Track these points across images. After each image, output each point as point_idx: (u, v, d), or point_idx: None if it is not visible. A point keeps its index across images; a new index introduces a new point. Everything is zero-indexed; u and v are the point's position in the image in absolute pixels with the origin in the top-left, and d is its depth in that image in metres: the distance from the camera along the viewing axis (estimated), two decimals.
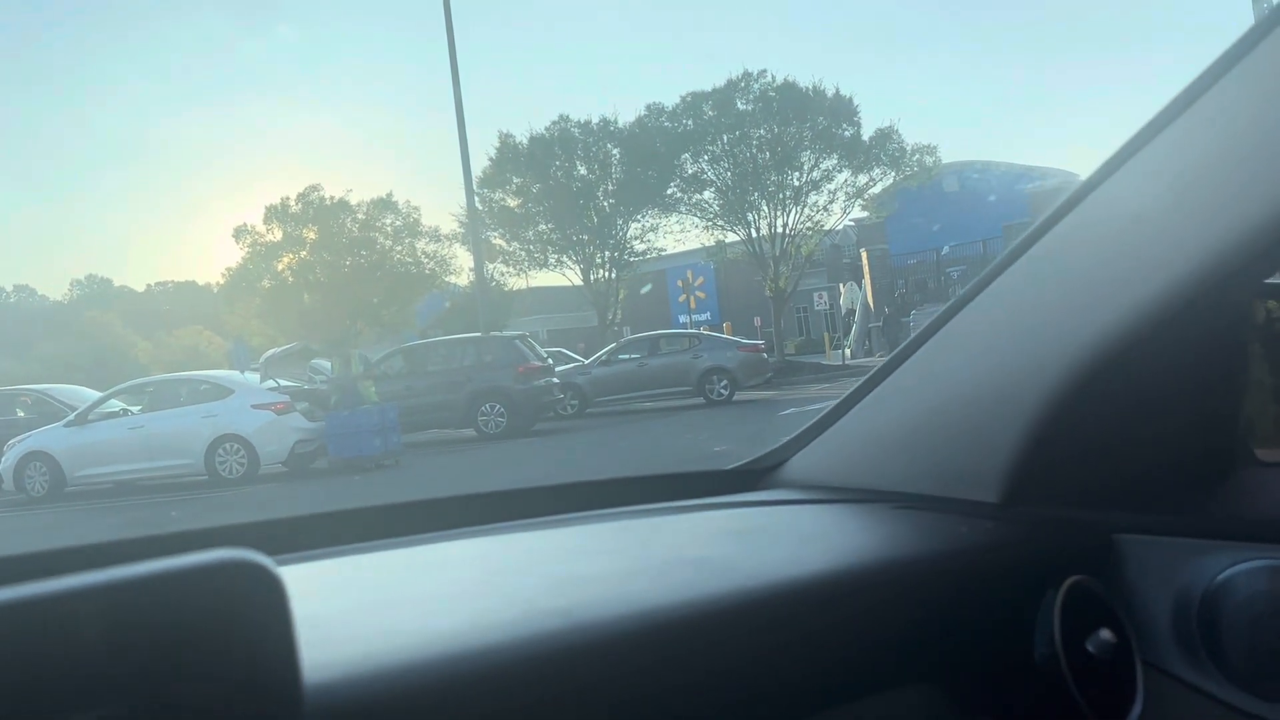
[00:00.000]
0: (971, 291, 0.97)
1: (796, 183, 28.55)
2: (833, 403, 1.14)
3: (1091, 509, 0.93)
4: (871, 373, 1.09)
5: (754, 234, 28.96)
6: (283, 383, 14.04)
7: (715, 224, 29.77)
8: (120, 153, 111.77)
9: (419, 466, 13.36)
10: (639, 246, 30.72)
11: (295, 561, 0.80)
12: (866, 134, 28.39)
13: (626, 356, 19.62)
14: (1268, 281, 0.98)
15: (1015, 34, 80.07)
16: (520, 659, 0.57)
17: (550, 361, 17.97)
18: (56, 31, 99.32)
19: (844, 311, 33.04)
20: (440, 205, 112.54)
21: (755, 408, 17.03)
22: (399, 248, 31.74)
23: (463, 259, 32.62)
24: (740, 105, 28.51)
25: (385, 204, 31.66)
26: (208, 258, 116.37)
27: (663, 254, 32.17)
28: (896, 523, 0.93)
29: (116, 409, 14.22)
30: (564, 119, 30.07)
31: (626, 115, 30.88)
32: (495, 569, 0.80)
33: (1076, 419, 0.89)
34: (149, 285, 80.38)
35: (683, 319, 34.38)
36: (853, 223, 35.27)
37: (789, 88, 28.32)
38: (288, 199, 31.56)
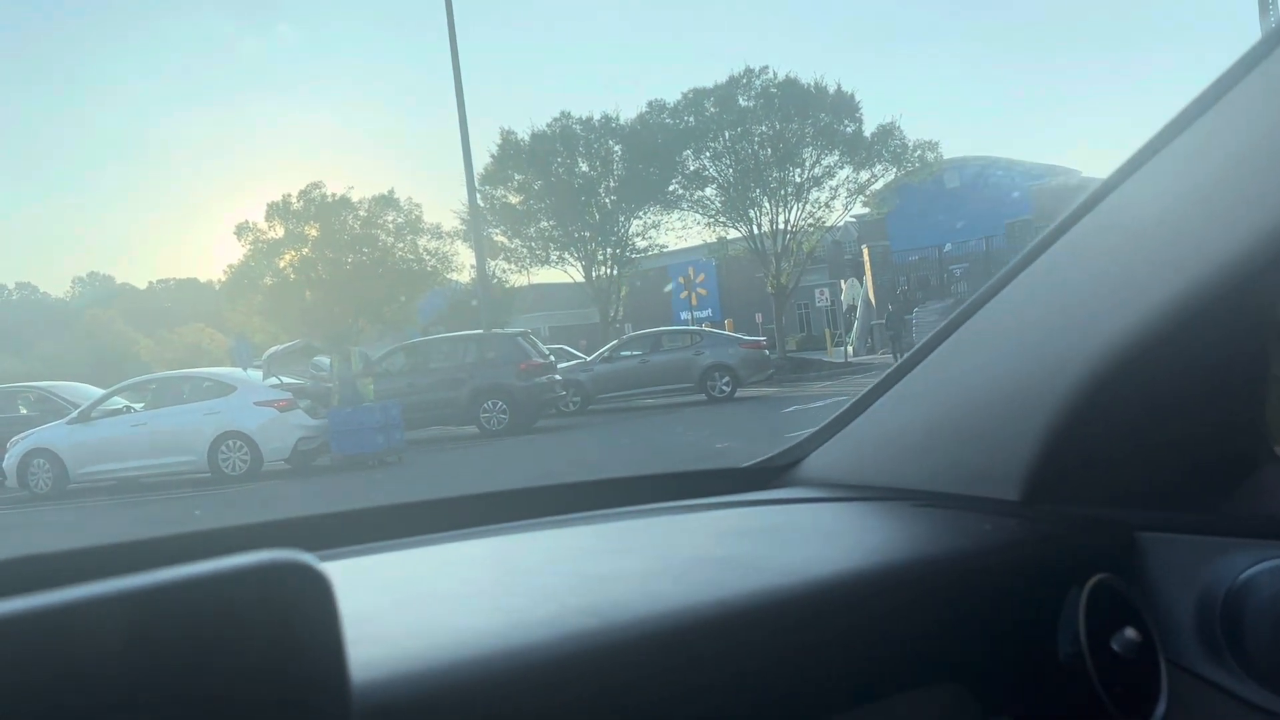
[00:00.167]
0: (991, 290, 0.97)
1: (798, 179, 28.54)
2: (849, 401, 1.14)
3: (1113, 507, 0.92)
4: (889, 371, 1.09)
5: (755, 230, 28.94)
6: (285, 380, 14.04)
7: (717, 221, 29.77)
8: (122, 151, 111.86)
9: (422, 463, 13.36)
10: (641, 243, 30.74)
11: (324, 560, 0.80)
12: (868, 130, 28.39)
13: (628, 353, 19.62)
14: None
15: (1017, 31, 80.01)
16: (556, 658, 0.57)
17: (552, 358, 17.97)
18: (58, 30, 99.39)
19: (845, 308, 33.03)
20: (442, 202, 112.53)
21: (757, 405, 17.04)
22: (401, 245, 31.72)
23: (464, 256, 32.72)
24: (742, 102, 28.49)
25: (387, 201, 31.63)
26: (209, 255, 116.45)
27: (664, 251, 32.15)
28: (919, 521, 0.93)
29: (119, 406, 14.24)
30: (566, 116, 30.08)
31: (628, 112, 31.03)
32: (520, 567, 0.80)
33: (1098, 417, 0.89)
34: (151, 283, 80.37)
35: (684, 316, 34.39)
36: (854, 219, 35.22)
37: (791, 84, 28.30)
38: (289, 196, 31.55)
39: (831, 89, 28.41)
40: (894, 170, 28.95)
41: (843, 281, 33.30)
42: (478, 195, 25.57)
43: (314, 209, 31.19)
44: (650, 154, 28.72)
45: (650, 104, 29.50)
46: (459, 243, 31.51)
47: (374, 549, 0.86)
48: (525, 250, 30.91)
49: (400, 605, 0.67)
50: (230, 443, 13.15)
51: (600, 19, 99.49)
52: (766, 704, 0.68)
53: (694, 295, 29.67)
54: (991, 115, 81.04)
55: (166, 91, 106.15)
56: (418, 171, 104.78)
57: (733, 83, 28.57)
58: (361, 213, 31.45)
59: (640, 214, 30.22)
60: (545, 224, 30.26)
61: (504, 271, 31.55)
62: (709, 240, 30.84)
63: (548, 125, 30.11)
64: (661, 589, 0.69)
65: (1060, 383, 0.88)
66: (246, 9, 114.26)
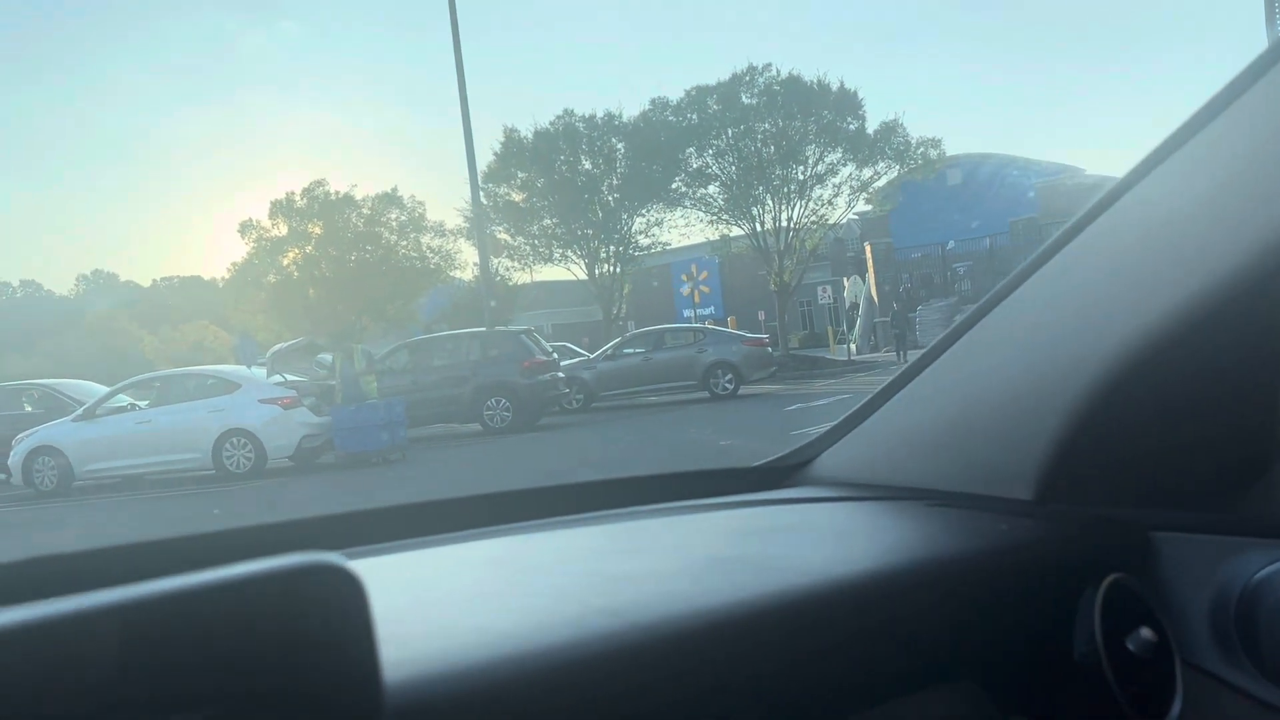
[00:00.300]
0: (1005, 289, 0.97)
1: (801, 176, 28.50)
2: (861, 400, 1.14)
3: (1127, 507, 0.92)
4: (901, 370, 1.09)
5: (758, 228, 28.91)
6: (289, 378, 14.06)
7: (720, 218, 29.73)
8: (125, 148, 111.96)
9: (426, 461, 13.37)
10: (643, 241, 30.69)
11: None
12: (871, 127, 28.35)
13: (631, 351, 19.61)
14: None
15: (1021, 28, 79.86)
16: (580, 659, 0.58)
17: (555, 356, 17.97)
18: (61, 27, 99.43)
19: (848, 306, 33.00)
20: (445, 200, 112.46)
21: (760, 402, 17.03)
22: (404, 243, 31.74)
23: (467, 254, 32.68)
24: (745, 99, 28.44)
25: (390, 199, 31.65)
26: (213, 253, 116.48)
27: (667, 248, 32.11)
28: (934, 521, 0.93)
29: (124, 403, 14.26)
30: (569, 113, 30.05)
31: (631, 109, 30.96)
32: (538, 566, 0.80)
33: (1112, 417, 0.89)
34: (155, 280, 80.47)
35: (687, 313, 34.40)
36: (856, 216, 35.17)
37: (794, 82, 28.26)
38: (293, 194, 31.58)
39: (834, 86, 28.36)
40: (897, 167, 28.91)
41: (845, 279, 33.23)
42: (481, 193, 25.57)
43: (317, 207, 31.22)
44: (653, 151, 28.69)
45: (653, 101, 29.49)
46: (462, 240, 31.56)
47: (388, 549, 0.86)
48: (528, 248, 30.90)
49: (422, 606, 0.67)
50: (235, 440, 13.17)
51: (603, 17, 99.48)
52: (783, 704, 0.68)
53: (697, 293, 29.67)
54: (995, 113, 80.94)
55: (170, 89, 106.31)
56: (421, 169, 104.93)
57: (736, 80, 28.54)
58: (365, 210, 31.48)
59: (643, 211, 30.20)
60: (548, 221, 30.24)
61: (507, 269, 31.56)
62: (712, 238, 30.83)
63: (551, 123, 30.12)
64: (680, 589, 0.69)
65: (1075, 382, 0.88)
66: (249, 5, 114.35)
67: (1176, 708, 0.82)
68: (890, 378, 1.12)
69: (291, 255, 31.48)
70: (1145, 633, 0.81)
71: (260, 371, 14.16)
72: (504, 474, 11.14)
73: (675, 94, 29.80)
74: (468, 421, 16.37)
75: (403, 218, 31.74)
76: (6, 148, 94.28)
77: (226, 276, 34.46)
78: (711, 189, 29.40)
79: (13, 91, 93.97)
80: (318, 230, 31.16)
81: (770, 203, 28.75)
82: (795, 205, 28.67)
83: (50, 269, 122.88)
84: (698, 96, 28.76)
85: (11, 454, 13.81)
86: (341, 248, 30.96)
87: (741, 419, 14.59)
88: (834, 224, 30.80)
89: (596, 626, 0.61)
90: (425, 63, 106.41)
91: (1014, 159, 38.58)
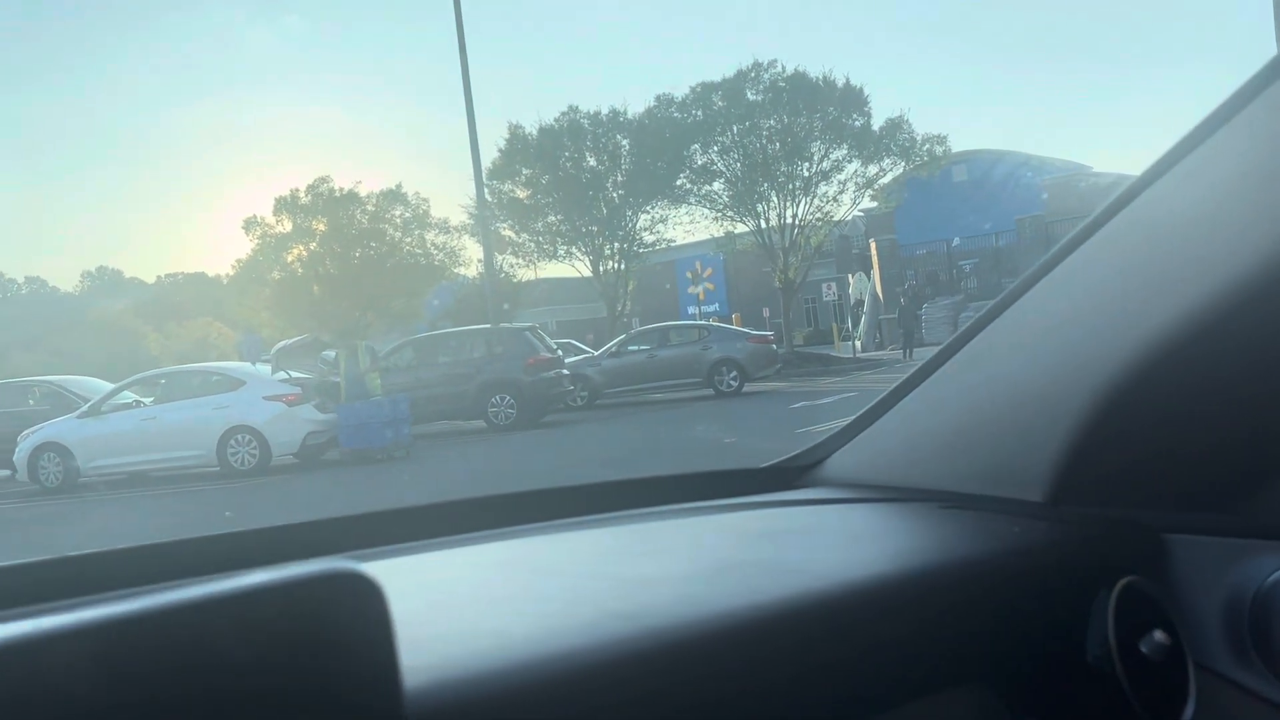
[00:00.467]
0: (1018, 289, 0.97)
1: (806, 173, 28.43)
2: (871, 401, 1.13)
3: (1140, 509, 0.92)
4: (913, 370, 1.09)
5: (763, 225, 28.85)
6: (294, 374, 14.08)
7: (724, 215, 29.68)
8: (129, 145, 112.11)
9: (430, 458, 13.39)
10: (648, 238, 30.65)
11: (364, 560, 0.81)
12: (877, 124, 28.28)
13: (636, 348, 19.61)
14: None
15: (1029, 25, 79.66)
16: (598, 664, 0.58)
17: (560, 353, 17.98)
18: (63, 23, 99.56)
19: (853, 303, 32.94)
20: (449, 197, 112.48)
21: (765, 400, 17.02)
22: (408, 239, 31.72)
23: (472, 251, 32.62)
24: (750, 96, 28.38)
25: (394, 196, 31.63)
26: (218, 249, 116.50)
27: (672, 245, 32.08)
28: (947, 523, 0.93)
29: (129, 400, 14.30)
30: (573, 110, 30.01)
31: (636, 106, 30.78)
32: (551, 569, 0.80)
33: (1125, 419, 0.89)
34: (159, 277, 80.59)
35: (691, 310, 34.37)
36: (862, 213, 35.12)
37: (799, 78, 28.19)
38: (297, 191, 31.56)
39: (840, 83, 28.30)
40: (902, 164, 28.84)
41: (850, 276, 33.19)
42: (485, 190, 25.57)
43: (322, 203, 31.20)
44: (658, 148, 28.65)
45: (658, 98, 29.42)
46: (466, 237, 31.50)
47: (399, 551, 0.86)
48: (533, 245, 30.88)
49: (438, 609, 0.67)
50: (239, 437, 13.19)
51: (608, 13, 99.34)
52: (799, 710, 0.68)
53: (701, 290, 29.65)
54: (1001, 110, 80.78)
55: (174, 84, 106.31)
56: (425, 166, 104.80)
57: (741, 77, 28.48)
58: (369, 207, 31.45)
59: (648, 208, 30.15)
60: (553, 218, 30.22)
61: (511, 266, 31.56)
62: (716, 235, 30.76)
63: (555, 120, 30.06)
64: (695, 593, 0.69)
65: (1088, 384, 0.88)
66: (254, 0, 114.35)
67: (1189, 711, 0.82)
68: (901, 378, 1.11)
69: (296, 252, 31.49)
70: (1159, 635, 0.81)
71: (265, 368, 14.19)
72: (508, 472, 11.15)
73: (680, 91, 29.74)
74: (472, 418, 16.38)
75: (407, 214, 31.71)
76: (11, 144, 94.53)
77: (231, 273, 34.57)
78: (716, 186, 29.36)
79: (18, 87, 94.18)
80: (322, 227, 31.15)
81: (775, 199, 28.70)
82: (800, 202, 28.62)
83: (55, 265, 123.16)
84: (703, 93, 28.71)
85: (17, 451, 13.84)
86: (346, 244, 30.95)
87: (746, 416, 14.58)
88: (839, 221, 30.76)
89: (613, 631, 0.61)
90: (430, 59, 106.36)
91: (1020, 156, 38.44)
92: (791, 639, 0.68)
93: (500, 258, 29.60)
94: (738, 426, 13.07)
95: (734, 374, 18.66)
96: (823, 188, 28.68)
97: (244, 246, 38.10)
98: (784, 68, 28.40)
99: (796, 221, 28.65)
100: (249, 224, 31.94)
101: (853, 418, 1.15)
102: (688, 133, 28.68)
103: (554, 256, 30.94)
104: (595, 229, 29.90)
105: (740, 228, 29.72)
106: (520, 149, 30.08)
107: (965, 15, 77.80)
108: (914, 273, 32.54)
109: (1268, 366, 0.94)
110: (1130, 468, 0.93)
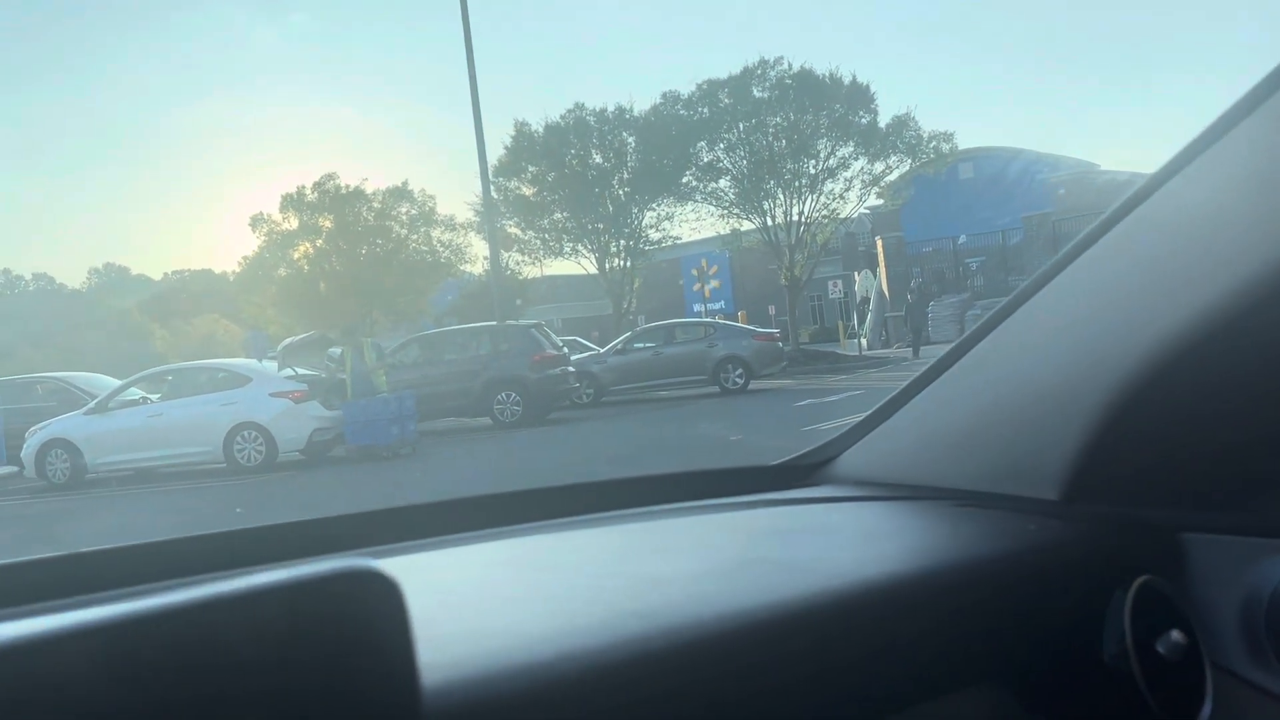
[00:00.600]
0: (1032, 286, 0.96)
1: (812, 170, 28.38)
2: (883, 398, 1.13)
3: (1156, 508, 0.91)
4: (925, 368, 1.08)
5: (769, 222, 28.81)
6: (300, 371, 14.11)
7: (730, 212, 29.65)
8: (136, 142, 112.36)
9: (436, 455, 13.41)
10: (654, 235, 30.61)
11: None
12: (883, 121, 28.23)
13: (641, 345, 19.61)
14: None
15: (1036, 22, 79.46)
16: (613, 663, 0.57)
17: (565, 350, 17.98)
18: (69, 21, 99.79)
19: (859, 300, 32.90)
20: (455, 194, 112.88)
21: (771, 397, 17.01)
22: (414, 236, 31.77)
23: (478, 248, 32.65)
24: (756, 93, 28.34)
25: (401, 193, 31.68)
26: (224, 246, 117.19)
27: (678, 243, 32.05)
28: (961, 521, 0.92)
29: (136, 397, 14.33)
30: (579, 107, 29.98)
31: (642, 103, 30.57)
32: (563, 566, 0.80)
33: (1141, 417, 0.88)
34: (166, 274, 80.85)
35: (697, 308, 34.33)
36: (868, 211, 35.04)
37: (805, 75, 28.14)
38: (304, 188, 31.63)
39: (846, 80, 28.24)
40: (908, 162, 28.78)
41: (856, 273, 33.15)
42: (491, 187, 25.57)
43: (328, 200, 31.25)
44: (664, 145, 28.62)
45: (664, 95, 29.36)
46: (472, 234, 31.55)
47: (411, 548, 0.86)
48: (538, 242, 30.87)
49: (452, 606, 0.67)
50: (245, 433, 13.22)
51: (614, 11, 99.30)
52: (813, 709, 0.68)
53: (707, 287, 29.62)
54: (1008, 108, 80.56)
55: (179, 82, 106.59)
56: (431, 163, 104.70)
57: (747, 74, 28.43)
58: (375, 204, 31.50)
59: (654, 205, 30.12)
60: (558, 215, 30.20)
61: (517, 263, 31.57)
62: (722, 232, 30.73)
63: (561, 117, 30.03)
64: (709, 591, 0.69)
65: (1103, 381, 0.87)
66: None
67: (1206, 711, 0.81)
68: (909, 376, 1.11)
69: (302, 249, 31.55)
70: (1175, 635, 0.80)
71: (271, 365, 14.21)
72: (514, 469, 11.16)
73: (686, 88, 29.63)
74: (478, 415, 16.40)
75: (413, 211, 31.76)
76: (20, 141, 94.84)
77: (237, 270, 34.64)
78: (722, 183, 29.32)
79: (24, 85, 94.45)
80: (328, 224, 31.20)
81: (781, 197, 28.65)
82: (806, 199, 28.57)
83: (62, 262, 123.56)
84: (709, 90, 28.67)
85: (24, 447, 13.90)
86: (352, 241, 30.99)
87: (752, 414, 14.58)
88: (845, 218, 30.71)
89: (628, 629, 0.60)
90: (436, 56, 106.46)
91: (1028, 154, 38.30)
92: (806, 638, 0.67)
93: (506, 255, 29.61)
94: (743, 424, 13.06)
95: (739, 371, 18.64)
96: (829, 185, 28.65)
97: (250, 243, 38.24)
98: (790, 65, 28.36)
99: (802, 219, 28.60)
100: (255, 221, 32.03)
101: (864, 415, 1.14)
102: (694, 130, 28.65)
103: (560, 254, 30.95)
104: (601, 226, 29.88)
105: (746, 225, 29.70)
106: (526, 146, 30.07)
107: (967, 14, 77.60)
108: (920, 270, 32.46)
109: None
110: (1145, 466, 0.92)
